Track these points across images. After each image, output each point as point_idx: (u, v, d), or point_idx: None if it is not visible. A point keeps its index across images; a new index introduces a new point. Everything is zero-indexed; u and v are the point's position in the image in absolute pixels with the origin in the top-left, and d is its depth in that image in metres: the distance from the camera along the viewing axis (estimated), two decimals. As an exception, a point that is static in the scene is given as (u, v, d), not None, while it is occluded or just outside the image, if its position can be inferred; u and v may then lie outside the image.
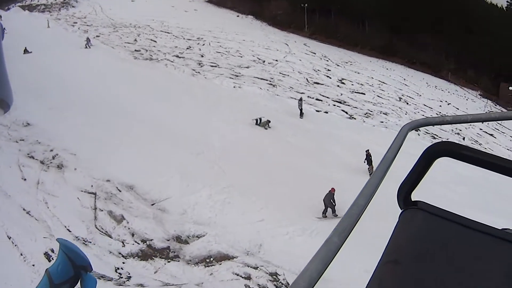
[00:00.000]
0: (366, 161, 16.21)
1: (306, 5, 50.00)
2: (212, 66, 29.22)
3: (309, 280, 0.52)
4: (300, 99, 22.45)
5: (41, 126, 16.68)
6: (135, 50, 31.40)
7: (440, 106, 33.63)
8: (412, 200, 0.91)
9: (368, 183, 0.75)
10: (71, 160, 14.62)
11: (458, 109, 34.32)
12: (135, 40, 35.14)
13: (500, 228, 0.85)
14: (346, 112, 25.72)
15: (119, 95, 21.03)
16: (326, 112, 24.56)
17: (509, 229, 0.90)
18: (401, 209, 0.91)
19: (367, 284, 0.71)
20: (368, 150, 16.36)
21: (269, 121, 19.82)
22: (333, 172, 15.72)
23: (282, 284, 10.15)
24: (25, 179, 13.42)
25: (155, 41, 35.33)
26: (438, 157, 0.85)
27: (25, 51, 28.31)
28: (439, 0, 46.11)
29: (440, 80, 45.09)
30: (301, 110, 22.01)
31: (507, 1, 50.51)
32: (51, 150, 15.17)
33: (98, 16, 50.60)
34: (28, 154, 14.96)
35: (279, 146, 17.92)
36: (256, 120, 19.70)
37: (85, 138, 15.92)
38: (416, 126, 1.12)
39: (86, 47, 30.23)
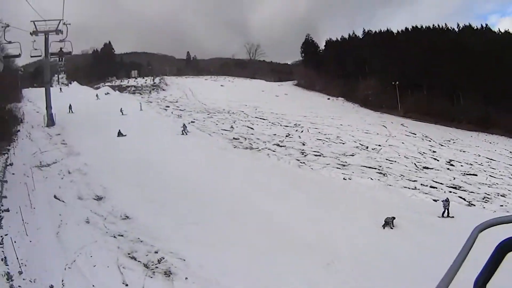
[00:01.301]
0: None
1: (397, 82, 49.34)
2: (315, 155, 28.98)
3: None
4: (447, 200, 20.63)
5: (142, 221, 15.36)
6: (234, 138, 31.06)
7: (554, 185, 29.98)
8: None
9: None
10: (181, 267, 12.97)
11: None
12: (231, 127, 34.80)
13: None
14: (464, 199, 23.77)
15: (226, 189, 19.78)
16: (445, 202, 23.03)
17: None
18: None
19: None
20: None
21: (394, 218, 18.55)
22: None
23: None
24: (126, 285, 12.01)
25: (252, 128, 35.12)
26: (509, 251, 0.95)
27: (119, 133, 29.24)
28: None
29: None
30: (448, 210, 20.13)
31: None
32: (156, 252, 13.66)
33: (189, 100, 51.72)
34: (128, 253, 13.56)
35: (413, 251, 16.10)
36: (385, 221, 18.48)
37: (193, 240, 14.38)
38: (486, 227, 1.15)
39: (182, 134, 30.28)
